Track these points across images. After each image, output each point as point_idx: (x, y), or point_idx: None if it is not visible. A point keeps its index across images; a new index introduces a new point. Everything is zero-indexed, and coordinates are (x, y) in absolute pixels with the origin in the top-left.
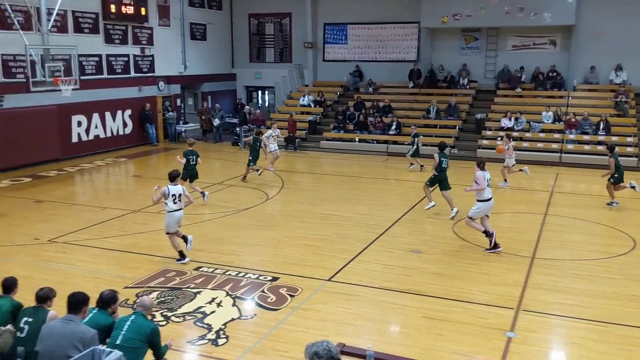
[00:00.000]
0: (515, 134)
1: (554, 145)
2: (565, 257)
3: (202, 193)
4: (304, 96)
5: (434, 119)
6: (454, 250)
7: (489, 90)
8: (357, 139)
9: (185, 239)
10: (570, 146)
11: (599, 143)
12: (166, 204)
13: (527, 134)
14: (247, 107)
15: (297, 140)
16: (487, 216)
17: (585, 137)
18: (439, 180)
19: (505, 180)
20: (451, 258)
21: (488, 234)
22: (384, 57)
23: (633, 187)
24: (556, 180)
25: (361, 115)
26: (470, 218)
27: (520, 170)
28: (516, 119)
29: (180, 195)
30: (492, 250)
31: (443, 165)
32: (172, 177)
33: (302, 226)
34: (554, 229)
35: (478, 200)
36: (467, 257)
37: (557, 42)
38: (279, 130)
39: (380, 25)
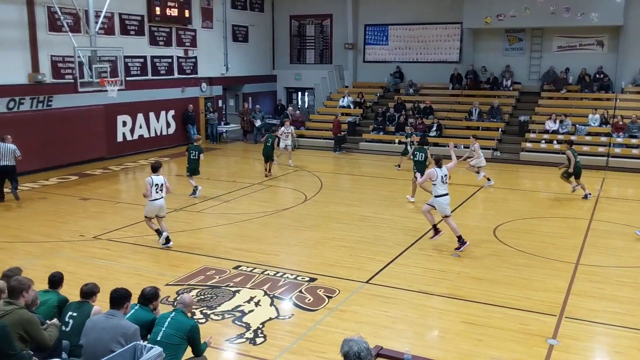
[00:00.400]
0: (560, 136)
1: (601, 149)
2: (610, 263)
3: (195, 188)
4: (343, 97)
5: (476, 120)
6: (494, 255)
7: (533, 92)
8: (396, 140)
9: (159, 233)
10: (617, 150)
11: None
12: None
13: (573, 137)
14: (290, 108)
15: (344, 140)
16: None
17: (633, 141)
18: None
19: (489, 179)
20: (492, 262)
21: (435, 227)
22: (425, 58)
23: (585, 197)
24: (602, 185)
25: (401, 117)
26: (446, 216)
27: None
28: (561, 121)
29: (162, 185)
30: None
31: (415, 158)
32: (155, 168)
33: (340, 227)
34: (600, 235)
35: (435, 197)
36: (508, 262)
37: (604, 43)
38: (292, 127)
39: (422, 26)
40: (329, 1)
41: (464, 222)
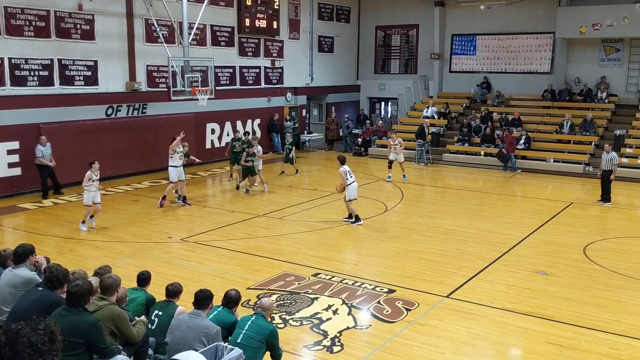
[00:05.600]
0: None
1: None
2: None
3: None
4: (427, 107)
5: (567, 134)
6: (585, 275)
7: (631, 105)
8: (482, 152)
9: (357, 219)
10: None
11: None
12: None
13: None
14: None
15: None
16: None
17: None
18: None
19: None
20: (582, 282)
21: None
22: (514, 68)
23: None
24: None
25: (488, 128)
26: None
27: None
28: None
29: (349, 171)
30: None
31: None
32: (343, 160)
33: (421, 240)
34: None
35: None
36: (600, 282)
37: None
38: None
39: (511, 36)
40: (416, 12)
41: (552, 239)
